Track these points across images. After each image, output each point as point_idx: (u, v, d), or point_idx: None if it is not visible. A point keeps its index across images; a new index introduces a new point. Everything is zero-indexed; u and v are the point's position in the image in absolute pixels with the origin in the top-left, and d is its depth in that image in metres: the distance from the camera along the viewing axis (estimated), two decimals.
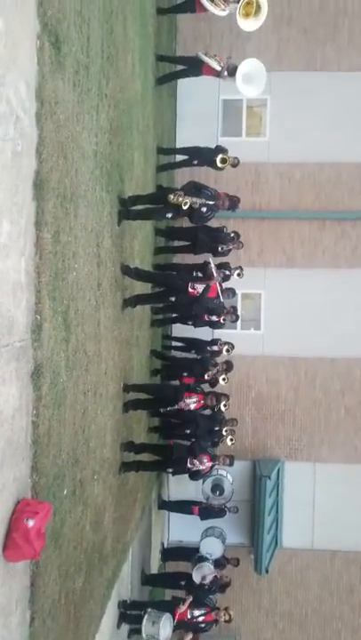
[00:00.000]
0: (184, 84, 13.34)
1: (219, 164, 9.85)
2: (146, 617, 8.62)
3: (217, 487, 11.03)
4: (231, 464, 10.28)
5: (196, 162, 10.70)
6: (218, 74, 10.38)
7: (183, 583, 10.94)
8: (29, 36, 4.64)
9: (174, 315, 11.03)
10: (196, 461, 9.10)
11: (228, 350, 10.50)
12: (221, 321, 9.91)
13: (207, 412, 10.39)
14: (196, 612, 9.43)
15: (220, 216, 10.85)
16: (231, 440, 10.24)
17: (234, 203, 9.98)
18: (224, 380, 10.49)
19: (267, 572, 13.03)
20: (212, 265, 9.41)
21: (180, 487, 12.83)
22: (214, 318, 10.00)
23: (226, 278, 10.38)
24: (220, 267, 10.36)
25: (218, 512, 11.35)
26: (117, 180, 7.75)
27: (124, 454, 8.53)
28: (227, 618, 9.50)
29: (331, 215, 13.58)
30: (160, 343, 11.93)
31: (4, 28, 4.12)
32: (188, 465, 9.21)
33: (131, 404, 8.62)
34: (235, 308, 10.76)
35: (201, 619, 9.46)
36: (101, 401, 7.15)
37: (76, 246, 5.96)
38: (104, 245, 7.11)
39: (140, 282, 8.90)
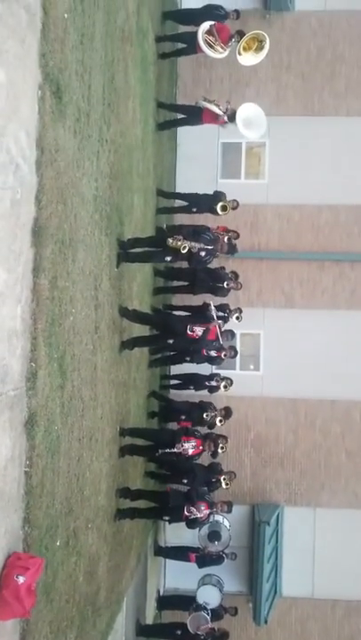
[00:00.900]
0: (184, 128, 13.53)
1: (220, 212, 9.94)
2: None
3: (214, 534, 10.75)
4: (229, 511, 10.05)
5: (195, 209, 10.80)
6: (218, 119, 10.52)
7: (179, 633, 10.60)
8: (31, 87, 4.68)
9: (172, 352, 10.93)
10: (193, 509, 8.89)
11: (225, 386, 10.40)
12: (222, 356, 9.83)
13: (204, 455, 10.21)
14: None
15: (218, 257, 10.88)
16: (227, 484, 10.03)
17: (232, 247, 10.01)
18: (221, 422, 10.34)
19: (266, 622, 12.63)
20: (213, 307, 9.37)
21: (176, 532, 12.53)
22: (213, 353, 9.93)
23: (225, 320, 10.33)
24: (218, 309, 10.33)
25: (215, 559, 11.05)
26: (117, 223, 7.77)
27: (119, 501, 8.34)
28: None
29: (329, 256, 13.63)
30: (158, 384, 11.81)
31: (6, 79, 4.15)
32: (186, 513, 9.00)
33: (127, 450, 8.47)
34: (234, 348, 10.69)
35: None
36: (97, 447, 7.01)
37: (74, 290, 5.92)
38: (102, 288, 7.07)
39: (139, 324, 8.84)
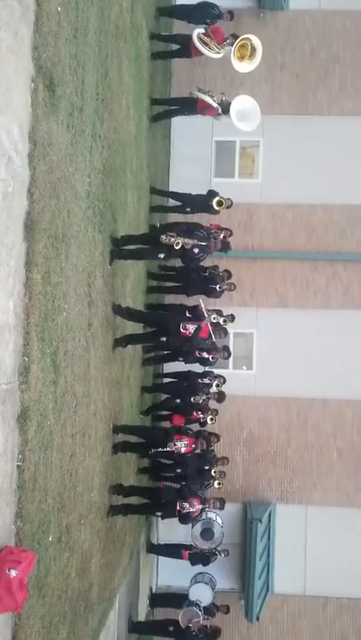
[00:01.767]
0: (178, 125, 13.55)
1: (215, 207, 9.93)
2: None
3: (207, 531, 10.77)
4: (222, 507, 10.07)
5: (189, 209, 10.79)
6: (213, 109, 10.52)
7: (172, 629, 10.61)
8: (24, 80, 4.67)
9: (165, 352, 10.93)
10: (185, 504, 8.91)
11: (218, 385, 10.40)
12: (211, 359, 9.82)
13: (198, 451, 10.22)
14: None
15: (212, 255, 10.88)
16: (219, 484, 10.04)
17: (226, 244, 10.01)
18: (212, 420, 10.34)
19: (257, 619, 12.66)
20: (203, 305, 9.37)
21: (169, 530, 12.55)
22: (205, 355, 9.92)
23: (216, 326, 10.28)
24: (212, 311, 10.33)
25: (208, 557, 11.06)
26: (110, 220, 7.77)
27: (112, 497, 8.34)
28: None
29: (323, 256, 13.66)
30: (151, 382, 11.81)
31: None
32: (178, 508, 9.01)
33: (120, 447, 8.47)
34: (227, 347, 10.68)
35: None
36: (90, 443, 7.00)
37: (67, 287, 5.91)
38: (95, 285, 7.07)
39: (132, 321, 8.84)
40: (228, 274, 11.29)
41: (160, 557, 12.94)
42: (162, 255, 8.30)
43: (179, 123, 13.40)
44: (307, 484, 13.46)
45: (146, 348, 10.56)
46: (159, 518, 11.02)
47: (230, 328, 11.20)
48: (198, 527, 10.88)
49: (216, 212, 10.27)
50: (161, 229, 8.74)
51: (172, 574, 12.96)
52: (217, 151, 14.11)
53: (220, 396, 10.15)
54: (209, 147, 13.98)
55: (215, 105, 10.35)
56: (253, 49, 10.03)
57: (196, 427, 10.48)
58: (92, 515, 7.22)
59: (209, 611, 11.07)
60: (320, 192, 13.71)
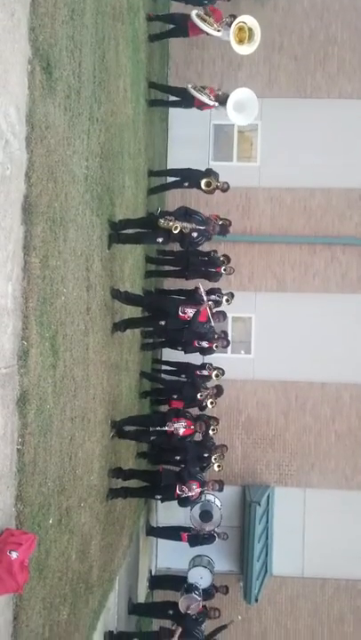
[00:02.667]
0: (176, 109, 13.42)
1: (203, 187, 9.85)
2: None
3: (205, 513, 10.86)
4: (221, 489, 10.12)
5: (186, 184, 10.70)
6: (210, 106, 10.44)
7: (171, 612, 10.70)
8: (20, 61, 4.63)
9: (164, 339, 10.95)
10: (185, 488, 8.96)
11: (217, 375, 10.41)
12: (214, 347, 9.84)
13: (197, 436, 10.27)
14: None
15: (210, 240, 10.85)
16: (219, 467, 10.10)
17: (224, 228, 9.98)
18: (212, 403, 10.38)
19: (256, 600, 12.80)
20: (202, 289, 9.37)
21: (168, 513, 12.65)
22: (205, 344, 9.93)
23: (217, 304, 10.32)
24: (210, 292, 10.32)
25: (207, 538, 11.15)
26: (108, 204, 7.73)
27: (111, 481, 8.39)
28: None
29: (321, 240, 13.64)
30: (150, 367, 11.84)
31: None
32: (177, 491, 9.06)
33: (118, 432, 8.49)
34: (225, 334, 10.70)
35: None
36: (89, 427, 7.03)
37: (65, 270, 5.90)
38: (94, 269, 7.05)
39: (130, 306, 8.83)
40: (227, 259, 11.30)
41: (159, 540, 13.05)
42: (160, 239, 8.27)
43: None
44: (305, 467, 13.56)
45: (145, 333, 10.57)
46: (158, 501, 11.11)
47: (229, 312, 11.22)
48: (197, 509, 10.97)
49: (207, 193, 10.17)
50: (159, 214, 8.70)
51: (171, 556, 13.09)
52: (215, 134, 14.01)
53: (219, 391, 10.13)
54: (207, 130, 13.89)
55: (211, 103, 10.26)
56: (251, 31, 9.90)
57: (195, 411, 10.52)
58: (91, 498, 7.27)
59: (208, 592, 11.18)
60: (319, 175, 13.65)
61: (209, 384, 10.56)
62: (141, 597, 11.69)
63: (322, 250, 13.71)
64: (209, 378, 10.58)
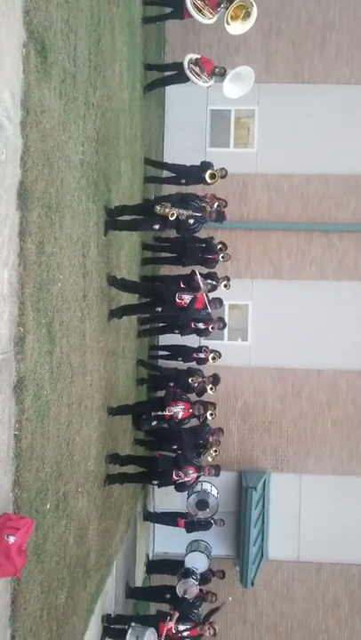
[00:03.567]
0: (172, 94, 13.36)
1: (208, 181, 9.87)
2: (130, 631, 8.47)
3: (202, 502, 10.92)
4: (217, 474, 10.18)
5: (184, 181, 10.71)
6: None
7: (168, 596, 10.79)
8: (15, 45, 4.59)
9: (161, 324, 10.96)
10: (181, 473, 9.01)
11: (213, 358, 10.43)
12: (210, 329, 9.85)
13: (194, 421, 10.31)
14: (181, 627, 9.28)
15: (207, 226, 10.84)
16: (215, 452, 10.15)
17: (221, 214, 9.96)
18: (212, 389, 10.42)
19: (252, 584, 12.93)
20: (199, 276, 9.36)
21: (165, 498, 12.73)
22: (201, 326, 9.95)
23: (213, 289, 10.34)
24: (207, 277, 10.32)
25: (204, 525, 11.24)
26: (104, 190, 7.70)
27: (109, 466, 8.43)
28: (212, 632, 9.37)
29: (318, 227, 13.62)
30: (147, 354, 11.86)
31: None
32: (174, 477, 9.12)
33: (116, 411, 8.52)
34: (221, 318, 10.72)
35: (186, 633, 9.31)
36: (86, 413, 7.06)
37: (61, 257, 5.89)
38: (90, 256, 7.04)
39: (127, 293, 8.83)
40: (224, 246, 11.28)
41: (156, 525, 13.13)
42: (157, 226, 8.25)
43: (173, 91, 13.22)
44: (301, 453, 13.65)
45: (141, 320, 10.57)
46: (155, 487, 11.14)
47: (225, 299, 11.23)
48: (194, 498, 11.03)
49: (210, 184, 10.21)
50: (155, 200, 8.68)
51: (168, 541, 13.18)
52: (212, 120, 13.94)
53: (215, 380, 10.13)
54: (204, 116, 13.81)
55: (206, 85, 10.21)
56: (248, 12, 9.79)
57: (193, 397, 10.54)
58: (88, 483, 7.32)
59: (205, 577, 11.28)
60: (316, 162, 13.61)
61: (206, 368, 10.59)
62: (139, 582, 11.80)
63: (319, 237, 13.70)
64: (205, 360, 10.61)
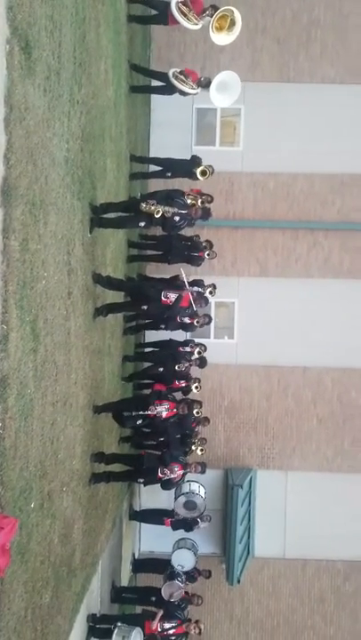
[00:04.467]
0: None
1: (200, 177, 9.87)
2: (116, 631, 8.46)
3: (190, 503, 10.95)
4: (203, 471, 10.21)
5: (169, 174, 10.67)
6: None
7: (154, 599, 10.72)
8: None
9: (147, 321, 10.95)
10: (167, 470, 9.01)
11: (199, 352, 10.48)
12: (195, 323, 9.87)
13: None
14: (167, 625, 9.29)
15: (193, 224, 10.82)
16: (202, 450, 10.17)
17: (206, 212, 9.96)
18: (197, 388, 10.46)
19: (238, 581, 12.97)
20: (183, 275, 9.37)
21: (151, 497, 12.73)
22: (187, 320, 9.96)
23: (199, 296, 10.32)
24: (193, 284, 10.37)
25: (190, 523, 11.25)
26: (89, 188, 7.67)
27: (94, 465, 8.41)
28: (197, 631, 9.39)
29: (304, 225, 13.68)
30: (133, 351, 11.83)
31: None
32: (160, 474, 9.11)
33: (101, 409, 8.49)
34: (207, 315, 10.73)
35: (171, 632, 9.32)
36: (71, 411, 7.03)
37: (46, 254, 5.85)
38: (75, 253, 7.00)
39: (112, 290, 8.80)
40: (210, 244, 11.29)
41: (142, 524, 13.13)
42: (142, 223, 8.23)
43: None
44: (287, 450, 13.71)
45: (127, 318, 10.56)
46: (141, 485, 11.16)
47: (211, 298, 11.25)
48: (182, 499, 11.04)
49: (197, 179, 10.20)
50: (141, 198, 8.66)
51: (154, 540, 13.19)
52: (198, 118, 13.94)
53: (202, 362, 10.22)
54: (190, 114, 13.82)
55: (193, 92, 10.19)
56: (233, 21, 9.79)
57: (179, 395, 10.56)
58: (73, 482, 7.29)
59: (191, 576, 11.29)
60: (301, 160, 13.66)
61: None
62: (125, 581, 11.78)
63: (304, 235, 13.76)
64: (191, 354, 10.64)
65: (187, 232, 10.76)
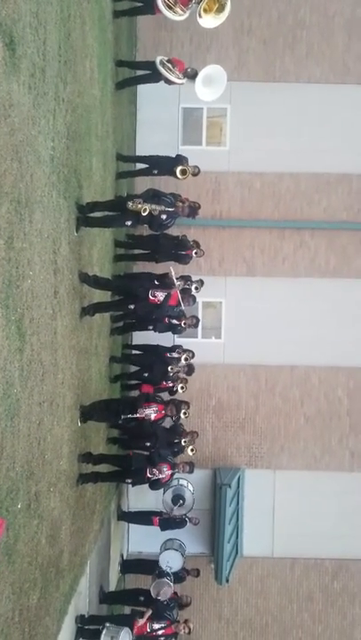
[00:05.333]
0: (144, 91, 13.31)
1: (179, 176, 9.82)
2: (104, 632, 8.42)
3: (178, 497, 10.92)
4: (191, 471, 10.19)
5: (156, 171, 10.64)
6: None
7: (142, 599, 10.71)
8: None
9: (134, 321, 10.91)
10: (155, 470, 8.99)
11: (186, 359, 10.46)
12: (182, 325, 9.84)
13: (168, 420, 10.29)
14: (156, 626, 9.26)
15: (180, 224, 10.82)
16: (192, 450, 10.16)
17: (193, 210, 9.95)
18: (182, 388, 10.45)
19: (227, 581, 12.96)
20: (173, 273, 9.34)
21: (139, 497, 12.69)
22: (175, 322, 9.94)
23: (185, 291, 10.32)
24: (179, 279, 10.32)
25: (178, 523, 11.23)
26: (75, 187, 7.62)
27: (81, 466, 8.36)
28: (186, 631, 9.36)
29: (290, 224, 13.71)
30: (120, 352, 11.79)
31: None
32: (148, 474, 9.08)
33: (87, 415, 8.44)
34: (195, 316, 10.73)
35: (160, 632, 9.29)
36: (58, 412, 6.98)
37: (32, 253, 5.81)
38: (61, 252, 6.96)
39: (99, 290, 8.76)
40: (197, 244, 11.28)
41: (130, 525, 13.08)
42: (129, 222, 8.20)
43: (145, 89, 13.15)
44: (275, 449, 13.73)
45: (114, 318, 10.51)
46: (129, 485, 11.11)
47: (199, 297, 11.26)
48: (170, 494, 11.01)
49: (180, 179, 10.17)
50: (127, 197, 8.63)
51: (142, 541, 13.14)
52: (184, 118, 13.93)
53: (190, 370, 10.18)
54: (176, 113, 13.80)
55: (179, 81, 10.14)
56: (222, 5, 9.70)
57: (165, 396, 10.54)
58: (61, 483, 7.24)
59: (179, 576, 11.26)
60: (287, 160, 13.70)
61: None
62: (113, 582, 11.73)
63: (291, 234, 13.79)
64: (179, 360, 10.61)
65: (173, 232, 10.74)
